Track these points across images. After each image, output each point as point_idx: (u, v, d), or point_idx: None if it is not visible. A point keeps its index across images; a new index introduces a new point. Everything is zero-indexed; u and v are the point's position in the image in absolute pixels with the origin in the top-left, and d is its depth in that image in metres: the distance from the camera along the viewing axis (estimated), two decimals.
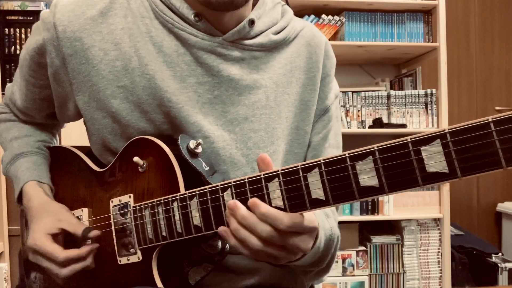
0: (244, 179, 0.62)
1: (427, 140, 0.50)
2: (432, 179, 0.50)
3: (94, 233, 0.77)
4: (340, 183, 0.55)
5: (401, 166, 0.51)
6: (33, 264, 0.80)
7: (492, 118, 0.46)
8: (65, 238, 0.80)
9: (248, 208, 0.60)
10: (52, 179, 0.90)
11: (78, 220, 0.82)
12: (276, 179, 0.59)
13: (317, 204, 0.57)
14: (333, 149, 0.88)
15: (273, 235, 0.59)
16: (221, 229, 0.63)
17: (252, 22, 0.78)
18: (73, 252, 0.76)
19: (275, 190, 0.60)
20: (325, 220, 0.76)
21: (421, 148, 0.50)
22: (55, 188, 0.89)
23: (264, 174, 0.60)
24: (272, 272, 0.84)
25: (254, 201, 0.60)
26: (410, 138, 0.51)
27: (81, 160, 0.87)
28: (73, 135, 1.48)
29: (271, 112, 0.81)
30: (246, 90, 0.79)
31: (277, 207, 0.60)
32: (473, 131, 0.47)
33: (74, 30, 0.76)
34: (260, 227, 0.59)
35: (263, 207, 0.59)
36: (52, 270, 0.77)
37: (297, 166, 0.58)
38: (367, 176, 0.53)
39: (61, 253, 0.75)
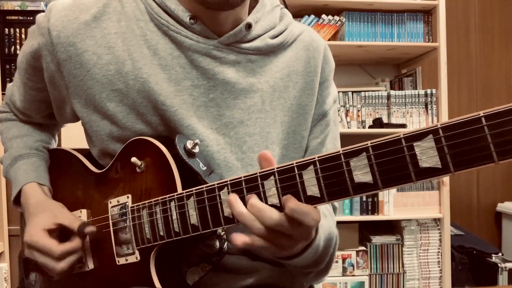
0: (241, 177, 0.62)
1: (420, 135, 0.50)
2: (425, 175, 0.50)
3: (90, 228, 0.77)
4: (335, 180, 0.55)
5: (395, 162, 0.52)
6: (32, 265, 0.80)
7: (483, 113, 0.46)
8: (61, 233, 0.80)
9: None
10: (51, 180, 0.91)
11: (74, 215, 0.82)
12: (272, 177, 0.60)
13: (312, 201, 0.58)
14: None
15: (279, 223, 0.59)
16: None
17: (249, 26, 0.78)
18: (68, 245, 0.77)
19: (270, 188, 0.60)
20: (323, 219, 0.76)
21: (414, 144, 0.50)
22: (54, 189, 0.90)
23: (260, 172, 0.61)
24: (270, 272, 0.84)
25: (287, 197, 0.59)
26: (403, 134, 0.51)
27: (79, 161, 0.87)
28: (73, 137, 1.48)
29: (266, 116, 0.81)
30: (241, 93, 0.79)
31: (272, 205, 0.60)
32: (464, 126, 0.47)
33: (68, 35, 0.76)
34: (267, 215, 0.59)
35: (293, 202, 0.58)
36: (48, 265, 0.77)
37: (292, 164, 0.58)
38: (361, 173, 0.54)
39: (57, 247, 0.76)
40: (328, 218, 0.79)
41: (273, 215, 0.59)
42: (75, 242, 0.77)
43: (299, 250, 0.65)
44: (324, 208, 0.80)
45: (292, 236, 0.61)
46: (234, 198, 0.61)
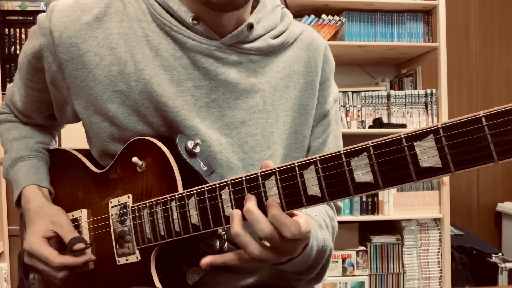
0: (242, 177, 0.62)
1: (420, 135, 0.50)
2: (426, 174, 0.50)
3: (79, 246, 0.77)
4: (336, 180, 0.55)
5: (395, 162, 0.52)
6: (32, 267, 0.80)
7: (483, 113, 0.46)
8: (59, 241, 0.80)
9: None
10: (52, 180, 0.90)
11: (72, 224, 0.82)
12: (273, 177, 0.60)
13: (313, 200, 0.58)
14: None
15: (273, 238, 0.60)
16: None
17: (251, 26, 0.78)
18: (68, 260, 0.76)
19: (272, 187, 0.60)
20: (319, 231, 0.75)
21: (415, 144, 0.51)
22: (54, 189, 0.90)
23: (261, 172, 0.61)
24: (270, 272, 0.84)
25: (270, 201, 0.60)
26: (404, 134, 0.51)
27: (80, 162, 0.87)
28: (73, 137, 1.48)
29: (268, 116, 0.81)
30: (243, 94, 0.79)
31: None
32: (465, 125, 0.48)
33: (70, 35, 0.76)
34: (261, 225, 0.59)
35: (276, 209, 0.59)
36: (48, 273, 0.78)
37: (293, 163, 0.58)
38: (362, 172, 0.54)
39: (56, 258, 0.76)
40: (324, 230, 0.79)
41: (265, 228, 0.59)
42: (76, 258, 0.77)
43: (285, 260, 0.66)
44: (322, 219, 0.80)
45: (277, 249, 0.62)
46: (237, 213, 0.62)
